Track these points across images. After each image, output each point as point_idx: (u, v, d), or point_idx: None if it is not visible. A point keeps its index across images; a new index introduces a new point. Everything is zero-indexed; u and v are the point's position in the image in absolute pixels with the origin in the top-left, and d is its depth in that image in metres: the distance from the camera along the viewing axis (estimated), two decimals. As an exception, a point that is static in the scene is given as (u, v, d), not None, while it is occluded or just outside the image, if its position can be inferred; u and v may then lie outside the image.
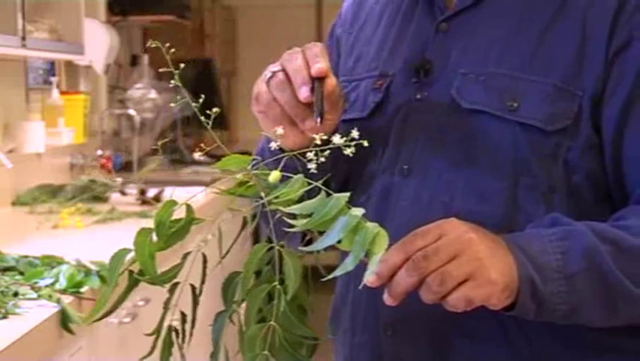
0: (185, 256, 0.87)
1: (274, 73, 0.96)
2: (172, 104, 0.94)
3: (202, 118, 0.88)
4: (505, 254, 0.91)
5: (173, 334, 0.89)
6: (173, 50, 0.91)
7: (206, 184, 3.00)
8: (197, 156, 0.96)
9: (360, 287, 0.82)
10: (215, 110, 0.88)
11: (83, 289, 1.62)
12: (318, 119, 0.90)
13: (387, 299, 0.89)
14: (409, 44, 1.11)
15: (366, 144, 0.86)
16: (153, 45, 0.90)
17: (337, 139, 0.86)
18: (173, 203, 0.85)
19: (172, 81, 0.89)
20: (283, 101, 0.95)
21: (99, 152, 3.37)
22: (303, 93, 0.94)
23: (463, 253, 0.88)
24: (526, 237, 0.95)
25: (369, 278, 0.83)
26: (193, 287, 0.89)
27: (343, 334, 1.12)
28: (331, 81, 0.95)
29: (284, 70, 0.95)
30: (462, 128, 1.03)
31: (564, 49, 1.01)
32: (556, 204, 1.00)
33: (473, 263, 0.88)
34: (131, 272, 0.87)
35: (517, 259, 0.91)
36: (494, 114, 1.01)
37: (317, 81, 0.94)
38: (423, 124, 1.06)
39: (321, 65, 0.94)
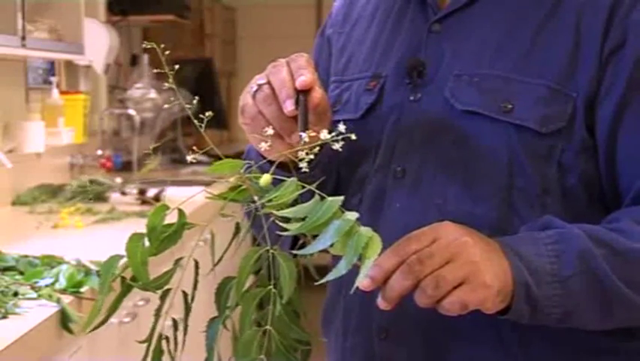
0: (177, 261, 0.87)
1: (260, 86, 0.94)
2: (166, 106, 0.94)
3: (195, 122, 0.87)
4: (499, 258, 0.91)
5: (165, 341, 0.88)
6: (169, 50, 0.90)
7: (206, 184, 3.01)
8: (190, 158, 0.96)
9: (351, 291, 0.82)
10: (208, 113, 0.88)
11: (82, 289, 1.63)
12: (303, 134, 0.88)
13: (382, 303, 0.88)
14: (402, 45, 1.10)
15: (353, 137, 0.85)
16: (149, 46, 0.90)
17: (324, 134, 0.85)
18: (165, 208, 0.85)
19: (167, 83, 0.88)
20: (269, 115, 0.94)
21: (99, 152, 3.37)
22: (288, 107, 0.92)
23: (458, 257, 0.88)
24: (520, 240, 0.95)
25: (363, 282, 0.83)
26: (185, 294, 0.88)
27: (335, 337, 1.12)
28: (317, 93, 0.94)
29: (269, 83, 0.94)
30: (456, 130, 1.02)
31: (558, 50, 1.01)
32: (549, 205, 1.00)
33: (468, 267, 0.88)
34: (123, 278, 0.86)
35: (512, 262, 0.91)
36: (488, 116, 1.01)
37: (302, 94, 0.93)
38: (417, 126, 1.05)
39: (305, 77, 0.92)
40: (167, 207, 0.85)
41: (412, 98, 1.07)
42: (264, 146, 0.90)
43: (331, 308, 1.14)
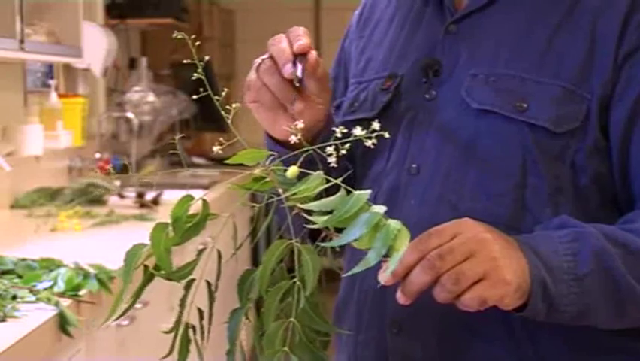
0: (200, 252, 0.88)
1: (262, 60, 0.99)
2: (195, 96, 0.95)
3: (224, 113, 0.90)
4: (518, 255, 0.91)
5: (192, 330, 0.88)
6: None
7: (205, 187, 3.01)
8: (216, 149, 1.03)
9: (378, 286, 0.83)
10: (235, 105, 0.90)
11: (81, 292, 1.63)
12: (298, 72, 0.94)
13: (401, 298, 0.89)
14: (419, 45, 1.12)
15: (387, 135, 0.87)
16: (179, 37, 0.95)
17: (358, 131, 0.87)
18: (189, 198, 0.86)
19: (195, 74, 0.93)
20: (272, 85, 0.98)
21: (97, 155, 3.37)
22: (287, 70, 0.96)
23: (478, 253, 0.88)
24: (537, 238, 0.95)
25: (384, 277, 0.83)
26: (209, 283, 0.89)
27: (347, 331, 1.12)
28: (313, 55, 0.98)
29: (271, 56, 0.98)
30: (471, 128, 1.03)
31: (573, 51, 1.01)
32: (562, 205, 1.00)
33: (488, 263, 0.88)
34: (146, 267, 0.87)
35: (530, 260, 0.91)
36: (503, 115, 1.01)
37: (299, 57, 0.97)
38: (432, 123, 1.06)
39: (302, 41, 0.96)
40: (192, 198, 0.86)
41: (427, 96, 1.08)
42: (293, 139, 0.91)
43: (344, 303, 1.14)
